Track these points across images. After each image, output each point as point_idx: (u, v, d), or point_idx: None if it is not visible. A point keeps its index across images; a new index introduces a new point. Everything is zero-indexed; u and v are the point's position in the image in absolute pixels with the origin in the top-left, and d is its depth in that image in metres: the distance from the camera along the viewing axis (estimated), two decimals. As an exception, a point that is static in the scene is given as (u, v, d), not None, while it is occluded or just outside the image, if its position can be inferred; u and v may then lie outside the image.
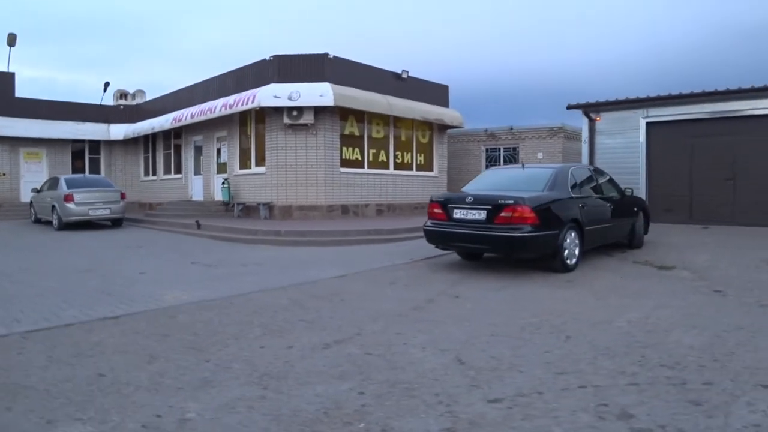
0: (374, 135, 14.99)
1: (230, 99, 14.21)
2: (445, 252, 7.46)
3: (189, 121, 16.07)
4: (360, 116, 14.35)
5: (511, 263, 6.93)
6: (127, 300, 5.26)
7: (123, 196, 14.10)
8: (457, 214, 6.43)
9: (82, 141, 20.24)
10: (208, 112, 15.01)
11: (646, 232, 8.73)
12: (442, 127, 16.65)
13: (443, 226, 6.55)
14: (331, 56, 13.32)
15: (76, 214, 12.87)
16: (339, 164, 13.91)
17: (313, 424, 2.55)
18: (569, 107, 12.87)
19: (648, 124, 11.92)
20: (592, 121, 12.57)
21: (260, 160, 14.34)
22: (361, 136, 14.61)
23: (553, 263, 6.30)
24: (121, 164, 21.34)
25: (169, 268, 7.27)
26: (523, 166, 7.29)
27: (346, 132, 14.22)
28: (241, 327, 4.24)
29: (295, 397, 2.88)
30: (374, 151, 14.99)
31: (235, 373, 3.23)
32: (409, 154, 16.02)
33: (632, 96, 11.96)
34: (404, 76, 15.11)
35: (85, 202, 12.99)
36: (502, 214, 5.95)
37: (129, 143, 20.81)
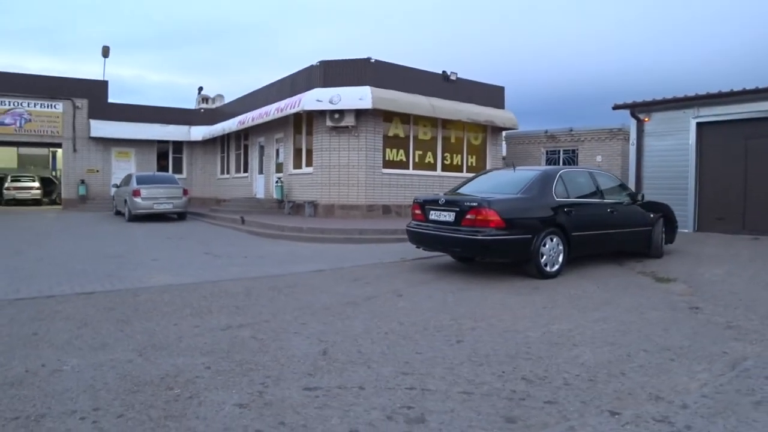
0: (420, 136, 15.21)
1: (282, 103, 15.21)
2: (442, 254, 7.54)
3: (250, 123, 17.38)
4: (405, 118, 14.66)
5: (499, 267, 6.87)
6: (116, 280, 6.08)
7: (185, 192, 15.60)
8: (432, 215, 6.55)
9: (167, 141, 22.52)
10: (265, 116, 16.17)
11: (671, 240, 8.18)
12: (497, 129, 16.43)
13: (421, 227, 6.70)
14: (373, 60, 13.78)
15: (143, 207, 14.51)
16: (381, 165, 14.32)
17: (144, 385, 2.98)
18: (615, 107, 12.15)
19: (699, 124, 10.89)
20: (640, 122, 11.76)
21: (309, 161, 15.17)
22: (406, 138, 14.90)
23: (528, 269, 6.20)
24: (201, 163, 23.41)
25: (181, 257, 8.12)
26: (514, 168, 7.19)
27: (390, 134, 14.59)
28: (180, 307, 4.79)
29: (154, 364, 3.32)
30: (420, 152, 15.21)
31: (131, 342, 3.75)
32: (459, 155, 16.01)
33: (681, 95, 11.01)
34: (452, 77, 15.16)
35: (150, 197, 14.61)
36: (468, 216, 5.99)
37: (208, 143, 22.79)
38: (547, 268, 6.23)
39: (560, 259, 6.36)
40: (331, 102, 13.36)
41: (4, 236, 11.01)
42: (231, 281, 6.13)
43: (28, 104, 19.11)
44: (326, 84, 13.88)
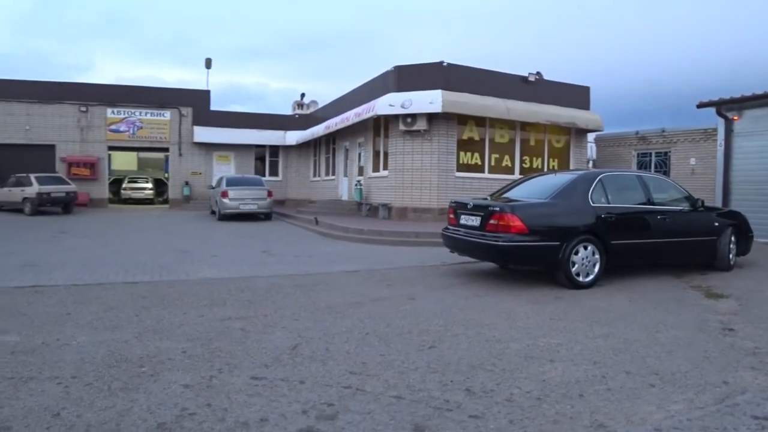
0: (497, 139, 14.90)
1: (360, 108, 15.74)
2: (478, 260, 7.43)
3: (334, 128, 18.18)
4: (480, 121, 14.46)
5: (535, 275, 6.61)
6: (165, 273, 6.82)
7: (270, 194, 16.70)
8: (462, 219, 6.50)
9: (264, 146, 24.18)
10: (345, 120, 16.83)
11: (743, 252, 7.44)
12: (581, 131, 15.59)
13: (452, 232, 6.67)
14: (446, 64, 13.77)
15: (230, 207, 15.80)
16: (455, 168, 14.27)
17: (123, 362, 3.41)
18: (700, 105, 10.93)
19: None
20: (728, 121, 10.47)
21: (385, 164, 15.53)
22: (482, 141, 14.69)
23: (558, 278, 5.93)
24: (296, 166, 24.83)
25: (240, 254, 8.80)
26: (555, 173, 6.90)
27: (465, 137, 14.48)
28: (201, 299, 5.29)
29: (143, 345, 3.77)
30: (497, 155, 14.90)
31: (138, 326, 4.26)
32: (540, 159, 15.43)
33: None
34: (531, 79, 14.67)
35: (237, 198, 15.87)
36: (491, 221, 5.88)
37: (302, 147, 24.13)
38: (580, 278, 5.91)
39: (596, 269, 6.01)
40: (402, 106, 13.59)
41: (104, 230, 12.66)
42: (263, 278, 6.58)
43: (140, 113, 21.67)
44: (400, 88, 14.14)
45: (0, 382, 3.10)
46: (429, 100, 13.25)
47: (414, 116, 13.67)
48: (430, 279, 6.60)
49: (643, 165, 16.66)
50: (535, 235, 5.73)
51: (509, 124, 14.84)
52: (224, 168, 23.57)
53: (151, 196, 26.69)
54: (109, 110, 21.19)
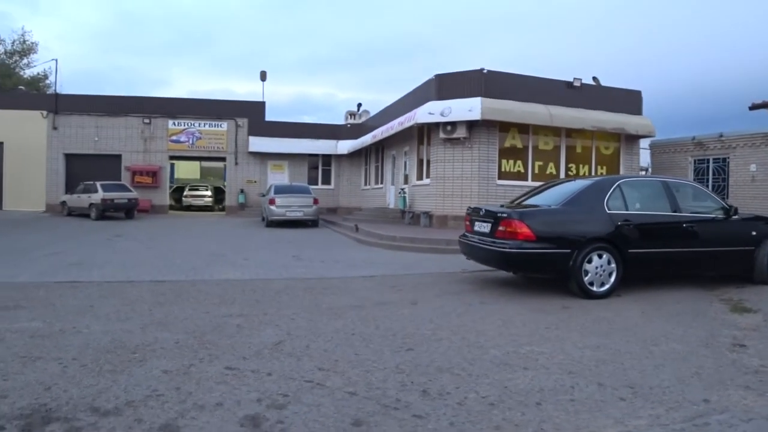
0: (541, 147, 14.64)
1: (404, 117, 15.96)
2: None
3: (380, 137, 18.50)
4: (523, 128, 14.28)
5: (552, 285, 6.49)
6: (192, 273, 7.28)
7: (316, 201, 17.19)
8: (476, 226, 6.52)
9: (317, 155, 24.90)
10: (390, 129, 17.10)
11: None
12: (632, 137, 15.00)
13: (466, 238, 6.70)
14: (485, 71, 13.73)
15: (276, 214, 16.43)
16: (497, 177, 14.15)
17: (120, 348, 3.76)
18: (753, 107, 10.28)
19: None
20: None
21: (428, 173, 15.64)
22: (525, 148, 14.48)
23: (571, 287, 5.82)
24: (347, 175, 25.37)
25: (270, 258, 9.18)
26: (576, 179, 6.77)
27: (507, 144, 14.34)
28: (213, 297, 5.65)
29: (144, 335, 4.12)
30: (541, 163, 14.64)
31: (146, 319, 4.63)
32: (587, 166, 14.99)
33: None
34: (576, 84, 14.33)
35: (283, 205, 16.47)
36: (500, 228, 5.87)
37: (353, 156, 24.64)
38: (594, 288, 5.76)
39: (612, 278, 5.84)
40: (442, 114, 13.68)
41: (155, 235, 13.54)
42: (280, 280, 6.88)
43: (199, 124, 22.97)
44: (440, 97, 14.23)
45: (13, 359, 3.52)
46: (468, 108, 13.26)
47: (454, 124, 13.71)
48: (444, 285, 6.64)
49: (700, 172, 15.78)
50: (543, 242, 5.67)
51: (554, 131, 14.54)
52: (278, 176, 24.44)
53: (211, 204, 28.07)
54: (170, 122, 22.64)
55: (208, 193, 28.44)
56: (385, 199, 20.39)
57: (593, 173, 14.97)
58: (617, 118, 14.45)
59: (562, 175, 14.69)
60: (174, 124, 22.77)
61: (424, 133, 15.89)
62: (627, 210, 6.11)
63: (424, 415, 2.78)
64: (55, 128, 21.64)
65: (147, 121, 22.36)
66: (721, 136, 14.97)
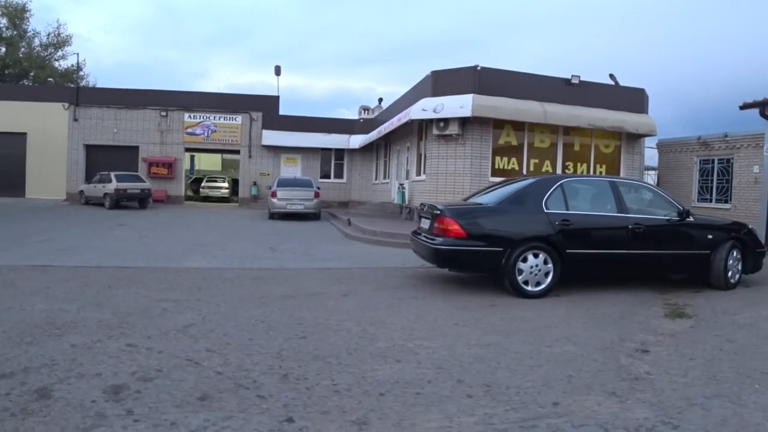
0: (537, 144, 14.63)
1: (402, 113, 16.17)
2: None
3: (383, 132, 18.76)
4: (518, 125, 14.30)
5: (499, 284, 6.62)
6: (161, 261, 7.77)
7: (317, 194, 17.60)
8: (422, 222, 6.75)
9: (329, 149, 25.30)
10: (390, 125, 17.34)
11: (752, 269, 6.96)
12: (633, 136, 14.83)
13: (414, 234, 6.94)
14: (479, 68, 13.80)
15: (278, 207, 16.91)
16: (489, 173, 14.23)
17: (42, 322, 4.19)
18: (744, 106, 10.02)
19: None
20: None
21: (425, 168, 15.83)
22: (520, 146, 14.51)
23: (504, 285, 5.98)
24: (359, 169, 25.71)
25: (247, 249, 9.56)
26: (526, 178, 6.90)
27: (501, 141, 14.40)
28: (163, 283, 6.08)
29: (63, 312, 4.55)
30: (536, 161, 14.64)
31: (80, 297, 5.07)
32: (585, 164, 14.91)
33: None
34: (575, 81, 14.24)
35: (284, 198, 16.93)
36: (435, 224, 6.08)
37: (365, 151, 24.94)
38: (528, 287, 5.89)
39: (548, 278, 5.96)
40: (434, 111, 13.84)
41: (156, 225, 14.20)
42: (235, 270, 7.28)
43: (215, 117, 23.67)
44: (435, 93, 14.38)
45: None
46: (460, 105, 13.38)
47: (446, 121, 13.85)
48: (390, 279, 6.89)
49: (705, 172, 15.46)
50: (473, 239, 5.85)
51: (550, 129, 14.51)
52: (291, 170, 24.96)
53: (227, 195, 28.89)
54: (186, 115, 23.42)
55: (225, 184, 29.25)
56: (390, 194, 20.65)
57: (592, 172, 14.88)
58: (617, 116, 14.30)
59: (559, 173, 14.66)
60: (190, 117, 23.55)
61: (422, 129, 16.07)
62: (567, 210, 6.18)
63: (267, 396, 3.05)
64: (75, 120, 22.73)
65: (164, 113, 23.21)
66: (726, 136, 14.62)
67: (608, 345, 4.28)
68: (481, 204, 6.48)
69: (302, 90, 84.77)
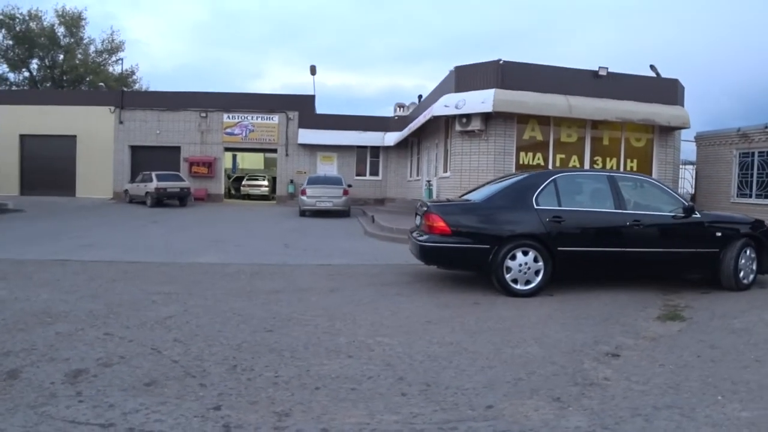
0: (564, 139, 14.29)
1: (428, 110, 16.15)
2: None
3: (412, 130, 18.81)
4: (544, 120, 14.01)
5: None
6: (173, 256, 8.16)
7: (345, 192, 17.82)
8: (416, 219, 6.79)
9: (365, 147, 25.53)
10: (417, 123, 17.37)
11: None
12: (666, 129, 14.21)
13: (411, 232, 6.98)
14: (502, 62, 13.60)
15: (307, 204, 17.28)
16: (514, 170, 14.01)
17: (39, 311, 4.55)
18: None
19: None
20: None
21: (450, 165, 15.77)
22: (546, 141, 14.21)
23: (493, 283, 5.89)
24: (394, 166, 25.84)
25: (260, 246, 9.87)
26: (516, 174, 6.81)
27: (526, 136, 14.16)
28: (164, 277, 6.42)
29: (61, 302, 4.91)
30: (563, 156, 14.30)
31: (83, 289, 5.44)
32: (615, 159, 14.43)
33: None
34: (602, 73, 13.78)
35: (314, 196, 17.27)
36: (423, 221, 6.12)
37: (400, 148, 25.04)
38: (517, 286, 5.79)
39: (539, 277, 5.83)
40: (456, 107, 13.76)
41: (187, 223, 14.83)
42: (237, 265, 7.52)
43: (252, 117, 24.38)
44: (458, 89, 14.30)
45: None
46: (481, 100, 13.25)
47: (469, 116, 13.73)
48: (383, 276, 6.97)
49: (744, 166, 14.60)
50: (459, 236, 5.83)
51: (578, 123, 14.12)
52: (327, 168, 25.37)
53: (267, 193, 29.68)
54: (225, 115, 24.25)
55: (265, 183, 30.05)
56: (421, 191, 20.65)
57: (622, 166, 14.39)
58: (647, 108, 13.74)
59: (587, 168, 14.26)
60: (229, 117, 24.35)
61: (448, 125, 16.00)
62: (559, 206, 6.03)
63: (208, 385, 3.21)
64: (121, 122, 23.99)
65: (204, 114, 24.11)
66: (767, 127, 13.77)
67: (578, 347, 4.13)
68: (470, 200, 6.44)
69: (356, 88, 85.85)
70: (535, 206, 5.96)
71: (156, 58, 67.57)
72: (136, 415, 2.78)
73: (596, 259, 6.10)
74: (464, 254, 5.89)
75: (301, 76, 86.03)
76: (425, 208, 6.11)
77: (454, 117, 14.28)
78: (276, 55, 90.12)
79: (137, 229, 12.19)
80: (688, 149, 17.22)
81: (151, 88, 37.34)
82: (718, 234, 6.32)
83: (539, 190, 6.06)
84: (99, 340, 3.98)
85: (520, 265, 5.80)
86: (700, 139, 16.01)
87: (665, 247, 6.26)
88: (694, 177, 16.54)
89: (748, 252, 6.40)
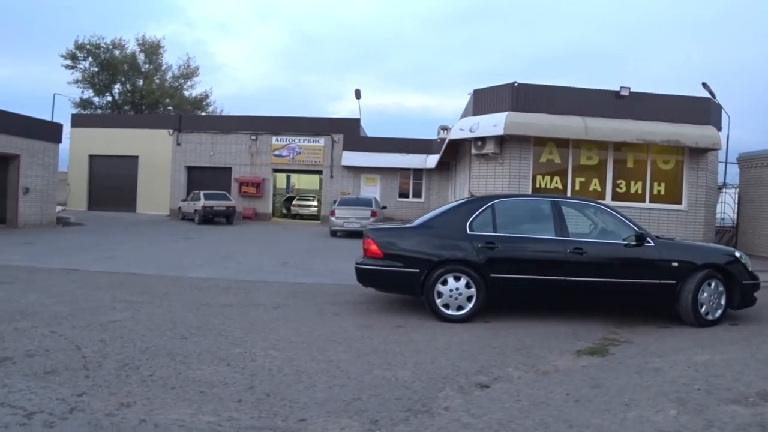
0: (584, 162, 14.12)
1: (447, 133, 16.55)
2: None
3: (441, 153, 19.18)
4: (562, 142, 13.97)
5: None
6: (171, 270, 9.13)
7: (374, 213, 18.44)
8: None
9: (408, 169, 26.14)
10: (443, 147, 17.76)
11: (742, 303, 6.25)
12: (697, 151, 13.66)
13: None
14: (516, 84, 13.76)
15: (336, 225, 18.11)
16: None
17: (15, 311, 5.52)
18: None
19: None
20: None
21: (470, 189, 15.99)
22: (564, 164, 14.13)
23: (426, 307, 6.11)
24: (436, 188, 26.24)
25: (261, 263, 10.67)
26: (471, 196, 7.07)
27: (543, 160, 14.15)
28: (144, 287, 7.31)
29: (40, 304, 5.85)
30: (582, 179, 14.13)
31: (68, 294, 6.40)
32: (640, 182, 14.05)
33: None
34: (624, 93, 13.55)
35: (342, 217, 18.07)
36: (364, 245, 6.56)
37: (441, 170, 25.41)
38: (449, 311, 5.93)
39: (471, 303, 5.94)
40: (470, 130, 14.06)
41: (218, 240, 16.02)
42: (219, 280, 8.34)
43: (299, 140, 25.80)
44: (476, 112, 14.60)
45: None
46: (493, 123, 13.46)
47: (483, 140, 13.97)
48: (340, 296, 7.34)
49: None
50: (389, 260, 6.18)
51: (598, 145, 13.91)
52: (371, 189, 26.17)
53: (316, 213, 30.87)
54: (273, 138, 25.86)
55: (315, 203, 31.28)
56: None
57: (648, 190, 13.97)
58: (671, 128, 13.28)
59: (609, 192, 13.98)
60: (277, 140, 25.92)
61: (468, 148, 16.27)
62: (495, 232, 6.14)
63: (92, 377, 3.86)
64: (178, 144, 26.29)
65: (254, 137, 25.83)
66: (810, 149, 12.88)
67: (452, 375, 4.15)
68: (407, 225, 6.78)
69: (433, 110, 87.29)
70: (468, 232, 6.14)
71: (242, 80, 72.90)
72: (17, 394, 3.49)
73: (533, 287, 6.08)
74: (395, 277, 6.21)
75: (381, 97, 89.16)
76: (364, 231, 6.56)
77: (470, 140, 14.56)
78: (355, 77, 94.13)
79: (165, 245, 13.48)
80: (733, 172, 16.34)
81: (225, 111, 40.65)
82: (674, 264, 6.05)
83: (475, 215, 6.24)
84: (42, 336, 4.80)
85: (451, 290, 5.96)
86: (743, 161, 15.15)
87: (613, 276, 6.08)
88: (736, 201, 15.64)
89: (712, 285, 6.04)
